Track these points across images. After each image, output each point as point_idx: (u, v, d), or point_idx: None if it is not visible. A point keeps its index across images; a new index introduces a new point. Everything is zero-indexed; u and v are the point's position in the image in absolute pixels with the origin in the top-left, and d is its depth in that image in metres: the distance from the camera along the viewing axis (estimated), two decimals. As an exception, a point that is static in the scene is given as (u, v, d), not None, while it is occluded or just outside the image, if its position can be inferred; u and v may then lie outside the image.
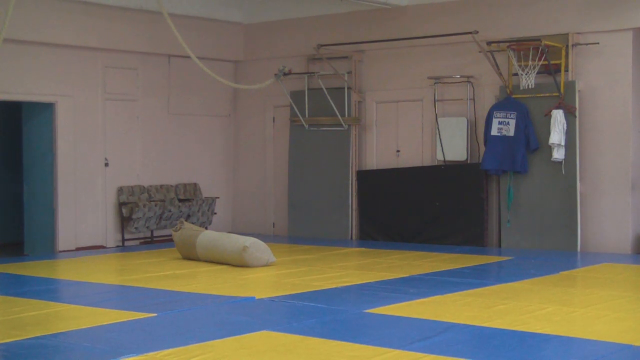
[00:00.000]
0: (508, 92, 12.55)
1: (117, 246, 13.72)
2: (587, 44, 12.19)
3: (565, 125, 12.12)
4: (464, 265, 10.82)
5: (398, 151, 13.95)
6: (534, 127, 12.36)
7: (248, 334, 6.80)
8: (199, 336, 6.71)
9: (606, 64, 12.16)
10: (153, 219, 13.85)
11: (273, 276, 10.18)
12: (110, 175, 13.72)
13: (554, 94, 12.24)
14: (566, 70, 12.24)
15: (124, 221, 13.73)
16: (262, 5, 15.04)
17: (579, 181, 12.23)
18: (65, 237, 13.09)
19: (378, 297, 8.56)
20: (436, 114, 13.33)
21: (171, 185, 14.56)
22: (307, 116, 14.51)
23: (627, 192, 12.08)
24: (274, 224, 15.29)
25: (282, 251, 12.17)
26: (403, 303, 8.16)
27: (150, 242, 14.09)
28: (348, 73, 14.21)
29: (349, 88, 14.13)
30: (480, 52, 12.58)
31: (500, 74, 12.54)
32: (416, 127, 13.76)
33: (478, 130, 13.04)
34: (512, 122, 12.39)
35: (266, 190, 15.37)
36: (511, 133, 12.41)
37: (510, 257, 11.65)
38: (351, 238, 14.12)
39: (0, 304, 8.29)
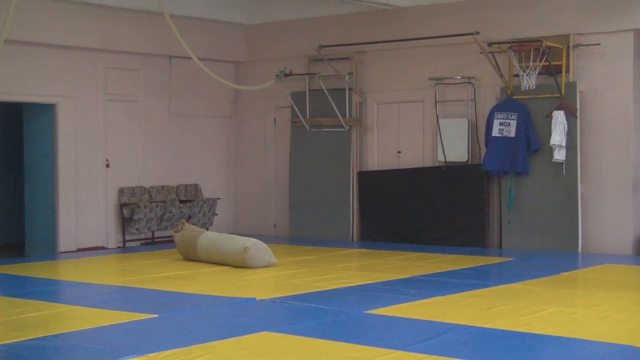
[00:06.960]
0: (509, 93, 12.55)
1: (118, 247, 13.72)
2: (588, 45, 12.19)
3: (566, 126, 12.12)
4: (465, 266, 10.82)
5: (399, 152, 13.95)
6: (534, 128, 12.36)
7: (249, 335, 6.80)
8: (200, 337, 6.70)
9: (607, 65, 12.16)
10: (154, 220, 13.85)
11: (274, 277, 10.18)
12: (111, 176, 13.72)
13: (555, 95, 12.23)
14: (567, 72, 12.24)
15: (125, 222, 13.73)
16: (263, 6, 15.04)
17: (580, 182, 12.23)
18: (66, 238, 13.10)
19: (379, 298, 8.55)
20: (437, 115, 13.33)
21: (172, 186, 14.56)
22: (308, 117, 14.51)
23: (628, 193, 12.08)
24: (275, 225, 15.29)
25: (283, 252, 12.17)
26: (404, 304, 8.15)
27: (151, 243, 14.09)
28: (349, 74, 14.20)
29: (350, 89, 14.13)
30: (481, 53, 12.58)
31: (501, 75, 12.54)
32: (417, 128, 13.76)
33: (479, 131, 13.04)
34: (513, 123, 12.39)
35: (267, 191, 15.37)
36: (512, 134, 12.41)
37: (511, 258, 11.65)
38: (352, 239, 14.12)
39: (2, 304, 8.30)
